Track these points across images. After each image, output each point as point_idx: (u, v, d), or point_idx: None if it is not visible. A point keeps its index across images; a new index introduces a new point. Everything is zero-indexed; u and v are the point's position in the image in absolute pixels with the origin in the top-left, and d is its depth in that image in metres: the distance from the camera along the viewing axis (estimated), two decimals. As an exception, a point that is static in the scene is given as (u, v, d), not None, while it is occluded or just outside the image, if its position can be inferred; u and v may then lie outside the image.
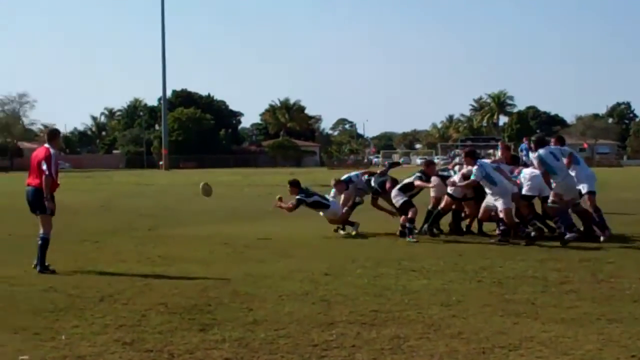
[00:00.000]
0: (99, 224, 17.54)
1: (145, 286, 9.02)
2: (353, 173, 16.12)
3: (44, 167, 10.06)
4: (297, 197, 14.80)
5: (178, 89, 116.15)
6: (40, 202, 10.13)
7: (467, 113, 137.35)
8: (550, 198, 13.35)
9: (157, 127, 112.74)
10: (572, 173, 13.78)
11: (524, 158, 18.04)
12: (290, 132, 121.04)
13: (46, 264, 10.06)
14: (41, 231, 10.18)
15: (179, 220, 18.54)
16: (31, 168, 10.37)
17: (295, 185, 15.05)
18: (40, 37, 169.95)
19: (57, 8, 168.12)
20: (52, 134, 10.71)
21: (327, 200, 14.96)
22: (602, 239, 13.28)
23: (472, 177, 13.37)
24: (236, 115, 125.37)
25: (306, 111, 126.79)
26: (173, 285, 9.01)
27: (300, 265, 10.68)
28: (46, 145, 10.35)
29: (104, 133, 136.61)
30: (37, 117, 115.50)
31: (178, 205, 24.07)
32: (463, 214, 14.88)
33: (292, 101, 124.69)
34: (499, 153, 18.33)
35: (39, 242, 10.12)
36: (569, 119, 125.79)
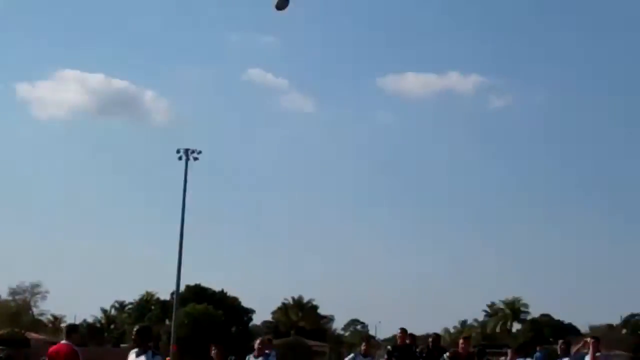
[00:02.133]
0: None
1: None
2: None
3: None
4: None
5: (192, 283, 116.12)
6: None
7: (480, 318, 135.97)
8: None
9: (167, 321, 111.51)
10: None
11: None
12: (301, 331, 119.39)
13: None
14: None
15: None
16: None
17: None
18: (57, 227, 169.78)
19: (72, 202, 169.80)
20: (71, 329, 10.40)
21: None
22: None
23: None
24: (248, 312, 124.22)
25: (318, 310, 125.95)
26: None
27: None
28: (65, 342, 10.02)
29: (112, 326, 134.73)
30: (48, 307, 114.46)
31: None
32: None
33: (305, 300, 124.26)
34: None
35: None
36: (583, 328, 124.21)
